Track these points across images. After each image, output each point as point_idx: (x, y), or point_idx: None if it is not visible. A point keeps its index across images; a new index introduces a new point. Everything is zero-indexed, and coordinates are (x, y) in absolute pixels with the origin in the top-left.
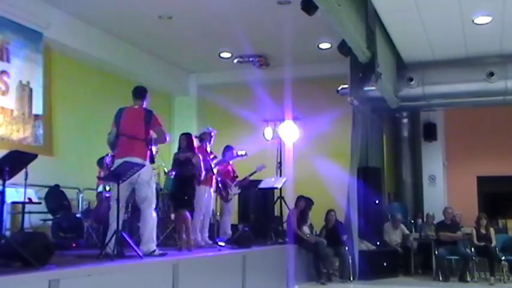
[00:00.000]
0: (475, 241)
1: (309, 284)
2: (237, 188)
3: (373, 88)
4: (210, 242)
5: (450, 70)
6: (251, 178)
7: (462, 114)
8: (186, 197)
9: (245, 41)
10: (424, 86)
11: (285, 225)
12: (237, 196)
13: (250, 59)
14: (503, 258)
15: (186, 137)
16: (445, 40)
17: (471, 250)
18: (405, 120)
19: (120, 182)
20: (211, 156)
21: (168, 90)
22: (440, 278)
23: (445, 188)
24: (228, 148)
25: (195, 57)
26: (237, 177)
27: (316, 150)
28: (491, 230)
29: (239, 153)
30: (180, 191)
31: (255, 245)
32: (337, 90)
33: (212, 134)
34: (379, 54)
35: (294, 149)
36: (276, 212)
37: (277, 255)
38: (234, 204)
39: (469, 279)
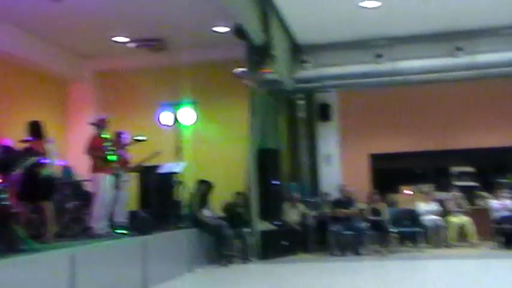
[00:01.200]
0: (368, 216)
1: (211, 266)
2: (127, 175)
3: (269, 71)
4: (109, 230)
5: (341, 52)
6: (148, 164)
7: (355, 95)
8: (27, 189)
9: (139, 25)
10: (317, 68)
11: (185, 209)
12: (137, 182)
13: (146, 43)
14: (393, 230)
15: (28, 125)
16: (335, 23)
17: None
18: (301, 102)
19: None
20: (107, 143)
21: (63, 76)
22: (337, 253)
23: (340, 166)
24: (119, 134)
25: (89, 42)
26: (127, 163)
27: (216, 133)
28: (383, 204)
29: (138, 138)
30: (22, 182)
31: (155, 231)
32: (233, 73)
33: (106, 120)
34: (275, 37)
35: (193, 133)
36: (177, 197)
37: (178, 239)
38: (127, 192)
39: (363, 252)
